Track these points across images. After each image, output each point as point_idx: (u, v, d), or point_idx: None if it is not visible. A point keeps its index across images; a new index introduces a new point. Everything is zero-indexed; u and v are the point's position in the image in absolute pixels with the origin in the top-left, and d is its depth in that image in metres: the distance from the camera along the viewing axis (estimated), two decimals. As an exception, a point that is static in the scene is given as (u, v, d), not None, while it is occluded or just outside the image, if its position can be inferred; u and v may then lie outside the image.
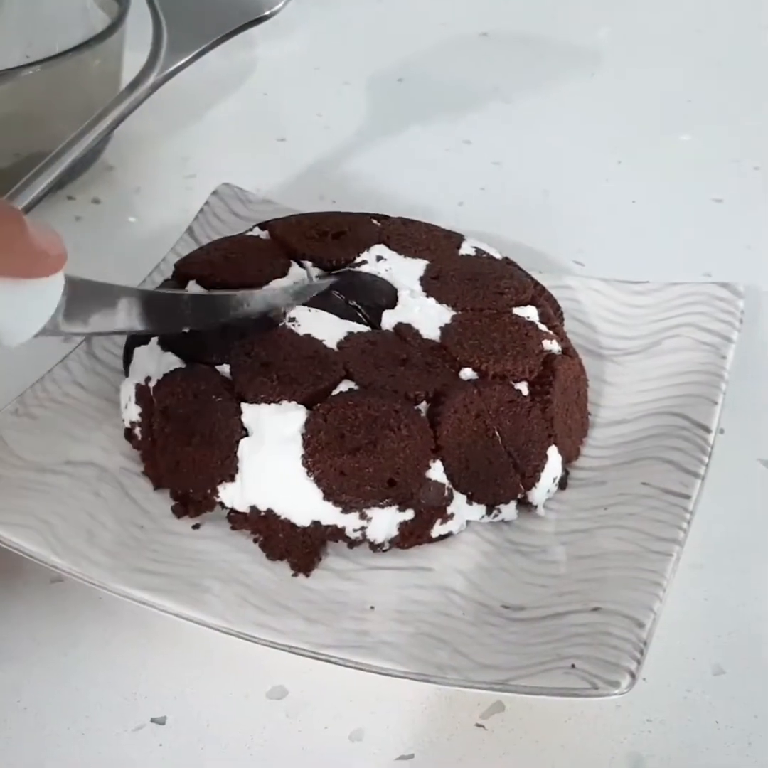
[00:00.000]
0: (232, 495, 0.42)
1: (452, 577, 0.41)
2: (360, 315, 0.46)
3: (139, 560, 0.40)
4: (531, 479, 0.43)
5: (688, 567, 0.42)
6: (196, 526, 0.43)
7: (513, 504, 0.43)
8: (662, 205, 0.67)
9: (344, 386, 0.42)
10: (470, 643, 0.38)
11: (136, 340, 0.46)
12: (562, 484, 0.44)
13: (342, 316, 0.45)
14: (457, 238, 0.51)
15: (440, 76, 0.83)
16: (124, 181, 0.69)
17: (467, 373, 0.43)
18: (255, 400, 0.41)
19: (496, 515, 0.43)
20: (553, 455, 0.43)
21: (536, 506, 0.43)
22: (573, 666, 0.36)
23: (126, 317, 0.40)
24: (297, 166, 0.70)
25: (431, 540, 0.42)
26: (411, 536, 0.41)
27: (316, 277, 0.48)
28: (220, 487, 0.42)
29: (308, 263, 0.49)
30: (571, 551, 0.42)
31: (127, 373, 0.47)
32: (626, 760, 0.37)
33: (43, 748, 0.37)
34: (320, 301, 0.46)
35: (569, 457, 0.45)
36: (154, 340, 0.45)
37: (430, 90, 0.81)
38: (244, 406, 0.41)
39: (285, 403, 0.41)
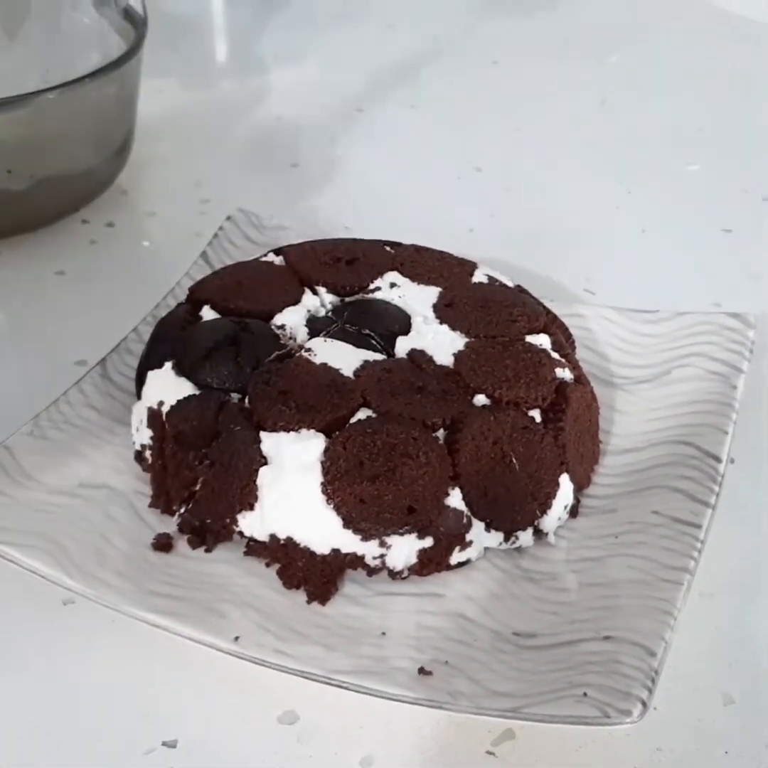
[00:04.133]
0: (251, 524, 0.42)
1: (464, 604, 0.41)
2: (374, 342, 0.46)
3: (151, 583, 0.41)
4: (543, 506, 0.43)
5: (699, 596, 0.42)
6: (208, 550, 0.43)
7: (530, 531, 0.43)
8: (672, 234, 0.68)
9: (362, 414, 0.42)
10: (482, 670, 0.38)
11: (149, 363, 0.47)
12: (574, 511, 0.44)
13: (356, 345, 0.46)
14: (469, 266, 0.51)
15: (452, 103, 0.84)
16: (139, 205, 0.69)
17: (480, 399, 0.43)
18: (274, 429, 0.42)
19: (513, 542, 0.43)
20: (565, 483, 0.44)
21: (547, 534, 0.43)
22: (585, 694, 0.36)
23: None
24: (310, 192, 0.70)
25: (450, 567, 0.42)
26: (430, 564, 0.41)
27: (330, 303, 0.49)
28: (239, 517, 0.42)
29: (322, 289, 0.49)
30: (582, 579, 0.42)
31: (139, 397, 0.47)
32: (636, 788, 0.37)
33: (55, 770, 0.37)
34: (334, 331, 0.46)
35: (581, 485, 0.45)
36: (168, 364, 0.45)
37: (442, 117, 0.82)
38: (262, 434, 0.42)
39: (304, 431, 0.41)
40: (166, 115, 0.78)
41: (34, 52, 0.65)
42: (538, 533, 0.43)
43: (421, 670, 0.38)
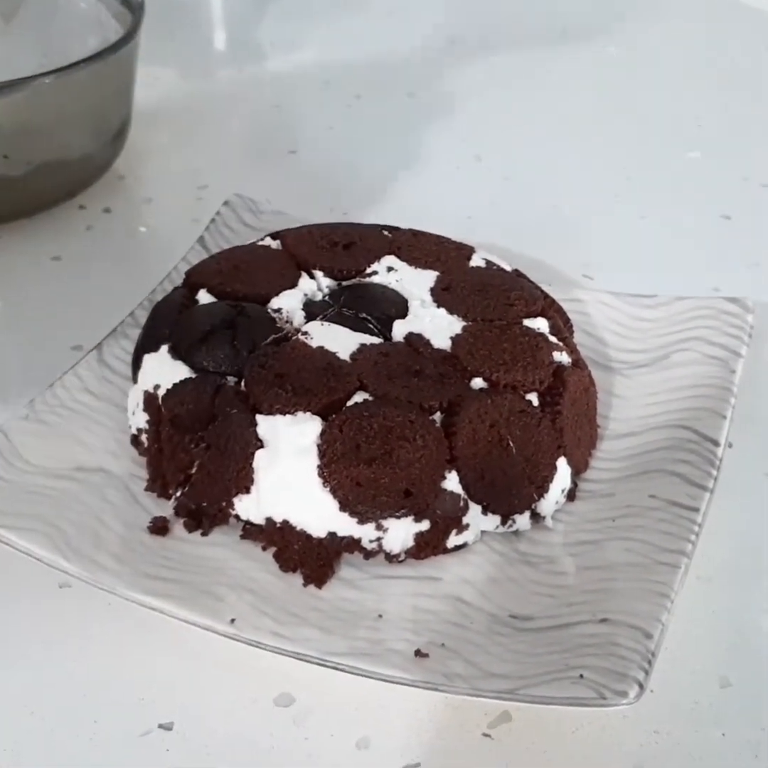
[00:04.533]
0: (247, 507, 0.42)
1: (461, 587, 0.41)
2: (371, 325, 0.46)
3: (147, 566, 0.41)
4: (540, 490, 0.43)
5: (696, 579, 0.42)
6: (204, 533, 0.43)
7: (527, 514, 0.43)
8: (671, 221, 0.67)
9: (359, 397, 0.42)
10: (478, 652, 0.38)
11: (145, 347, 0.47)
12: (571, 495, 0.44)
13: (353, 328, 0.46)
14: (467, 250, 0.51)
15: (450, 91, 0.84)
16: (136, 191, 0.69)
17: (478, 382, 0.43)
18: (270, 412, 0.41)
19: (510, 526, 0.43)
20: (562, 466, 0.43)
21: (545, 517, 0.43)
22: (581, 676, 0.36)
23: None
24: (308, 179, 0.70)
25: (446, 550, 0.42)
26: (427, 547, 0.41)
27: (327, 287, 0.49)
28: (235, 500, 0.42)
29: (319, 273, 0.49)
30: (579, 562, 0.42)
31: (135, 380, 0.47)
32: (633, 770, 0.37)
33: (51, 752, 0.37)
34: (331, 315, 0.46)
35: (578, 469, 0.45)
36: (165, 348, 0.45)
37: (440, 106, 0.82)
38: (259, 417, 0.42)
39: (300, 414, 0.41)
40: (163, 102, 0.78)
41: (30, 36, 0.65)
42: (536, 517, 0.43)
43: (418, 653, 0.38)
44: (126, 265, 0.61)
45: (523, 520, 0.43)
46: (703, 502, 0.42)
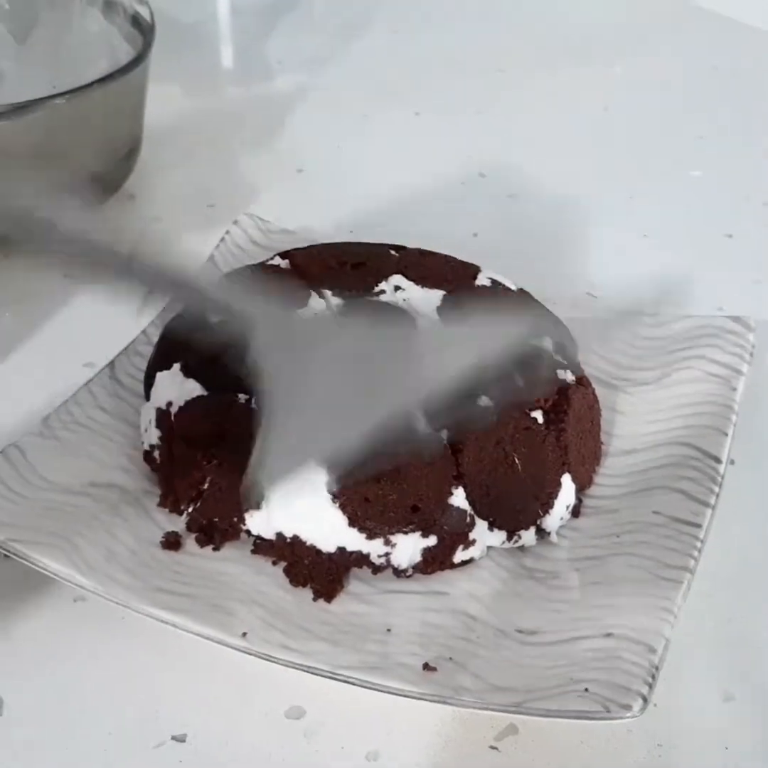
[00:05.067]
0: (258, 522, 0.42)
1: (468, 602, 0.42)
2: (379, 343, 0.47)
3: (160, 580, 0.41)
4: (545, 506, 0.43)
5: (698, 595, 0.42)
6: (216, 548, 0.43)
7: (532, 530, 0.43)
8: (673, 240, 0.68)
9: None
10: (485, 666, 0.38)
11: (158, 364, 0.48)
12: (576, 511, 0.45)
13: None
14: (473, 270, 0.52)
15: (456, 110, 0.85)
16: (145, 211, 0.70)
17: (483, 400, 0.44)
18: None
19: (516, 541, 0.43)
20: (567, 483, 0.44)
21: (550, 533, 0.44)
22: (586, 690, 0.36)
23: None
24: (315, 197, 0.71)
25: (453, 565, 0.43)
26: (434, 562, 0.42)
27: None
28: (246, 515, 0.43)
29: (328, 292, 0.50)
30: (583, 578, 0.42)
31: (147, 397, 0.47)
32: (637, 783, 0.37)
33: (66, 763, 0.38)
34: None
35: (582, 485, 0.46)
36: (177, 366, 0.46)
37: (446, 123, 0.83)
38: None
39: None
40: (172, 121, 0.79)
41: (42, 58, 0.66)
42: (541, 532, 0.44)
43: (426, 666, 0.38)
44: (137, 283, 0.62)
45: (528, 536, 0.43)
46: (705, 518, 0.43)
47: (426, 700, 0.37)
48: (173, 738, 0.38)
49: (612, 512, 0.45)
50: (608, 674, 0.37)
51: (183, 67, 0.89)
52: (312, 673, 0.38)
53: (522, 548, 0.44)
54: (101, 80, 0.61)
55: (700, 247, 0.67)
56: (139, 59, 0.64)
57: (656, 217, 0.70)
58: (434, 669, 0.38)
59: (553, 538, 0.44)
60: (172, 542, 0.43)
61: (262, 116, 0.83)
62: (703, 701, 0.40)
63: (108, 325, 0.56)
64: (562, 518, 0.44)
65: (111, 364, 0.51)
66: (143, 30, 0.67)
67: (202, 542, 0.43)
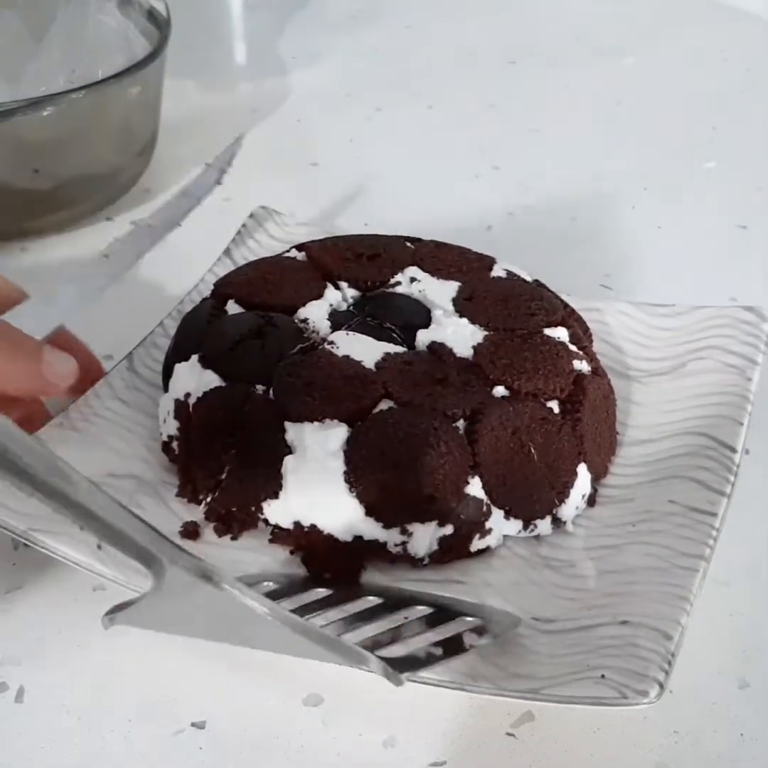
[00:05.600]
0: (275, 511, 0.43)
1: (485, 591, 0.42)
2: (395, 335, 0.47)
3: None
4: (561, 495, 0.44)
5: (714, 583, 0.43)
6: (234, 537, 0.44)
7: (548, 519, 0.44)
8: (687, 231, 0.68)
9: (384, 405, 0.43)
10: (501, 654, 0.39)
11: (176, 356, 0.48)
12: (591, 500, 0.45)
13: (377, 338, 0.47)
14: (488, 261, 0.52)
15: (469, 103, 0.85)
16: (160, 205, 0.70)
17: (500, 390, 0.44)
18: (298, 419, 0.43)
19: (531, 530, 0.44)
20: (583, 472, 0.44)
21: (565, 522, 0.44)
22: (603, 676, 0.36)
23: None
24: (329, 190, 0.71)
25: (470, 554, 0.43)
26: (451, 551, 0.42)
27: (352, 297, 0.50)
28: (264, 504, 0.43)
29: (343, 284, 0.50)
30: (599, 566, 0.42)
31: (165, 389, 0.48)
32: (653, 770, 0.38)
33: (88, 749, 0.38)
34: (356, 325, 0.48)
35: (598, 475, 0.46)
36: (195, 357, 0.47)
37: (459, 117, 0.83)
38: (287, 424, 0.43)
39: (327, 421, 0.42)
40: (187, 116, 0.79)
41: (59, 53, 0.66)
42: (557, 521, 0.44)
43: None
44: (153, 276, 0.63)
45: (544, 525, 0.44)
46: (721, 507, 0.43)
47: (444, 686, 0.37)
48: (192, 725, 0.39)
49: (627, 501, 0.45)
50: (624, 661, 0.37)
51: (197, 62, 0.89)
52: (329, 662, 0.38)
53: (538, 537, 0.44)
54: (117, 75, 0.62)
55: (714, 237, 0.68)
56: (155, 54, 0.65)
57: (670, 209, 0.70)
58: None
59: (569, 527, 0.44)
60: (190, 532, 0.44)
61: (276, 111, 0.84)
62: (719, 688, 0.40)
63: (124, 318, 0.57)
64: (577, 507, 0.44)
65: (129, 356, 0.51)
66: (159, 25, 0.67)
67: (220, 532, 0.44)
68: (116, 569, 0.41)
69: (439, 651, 0.38)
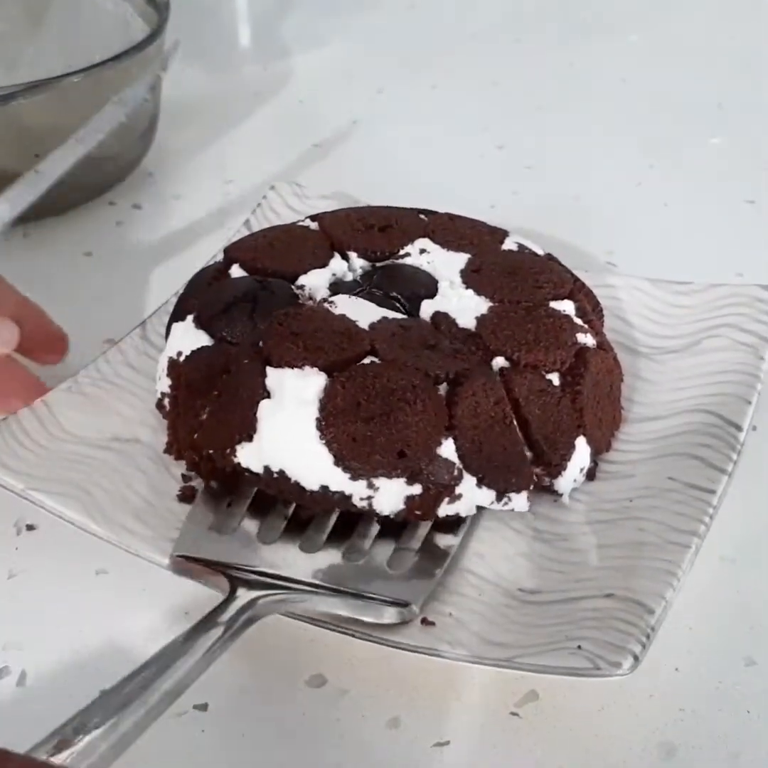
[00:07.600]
0: (248, 455, 0.42)
1: (474, 561, 0.41)
2: (399, 305, 0.47)
3: (173, 531, 0.42)
4: (558, 468, 0.43)
5: (721, 561, 0.43)
6: (229, 504, 0.43)
7: (524, 494, 0.43)
8: (694, 207, 0.68)
9: (367, 361, 0.43)
10: (483, 622, 0.38)
11: (175, 316, 0.48)
12: (591, 475, 0.45)
13: (380, 305, 0.46)
14: (501, 234, 0.52)
15: (472, 82, 0.85)
16: (164, 188, 0.70)
17: (499, 361, 0.44)
18: (279, 364, 0.42)
19: (505, 503, 0.43)
20: (582, 446, 0.44)
21: (562, 494, 0.44)
22: (579, 647, 0.36)
23: None
24: (333, 172, 0.71)
25: (438, 519, 0.42)
26: (417, 512, 0.42)
27: (361, 267, 0.49)
28: (238, 447, 0.42)
29: (353, 254, 0.50)
30: (592, 541, 0.42)
31: None
32: (658, 748, 0.37)
33: (89, 732, 0.38)
34: (359, 294, 0.47)
35: (599, 449, 0.45)
36: (191, 317, 0.47)
37: (463, 96, 0.82)
38: (268, 369, 0.42)
39: (307, 368, 0.42)
40: (190, 99, 0.79)
41: (58, 36, 0.66)
42: (553, 494, 0.44)
43: (425, 621, 0.38)
44: (156, 259, 0.62)
45: (519, 500, 0.43)
46: (720, 484, 0.42)
47: (420, 652, 0.37)
48: (195, 707, 0.38)
49: (628, 477, 0.45)
50: (603, 633, 0.36)
51: (198, 44, 0.89)
52: (315, 625, 0.39)
53: (533, 511, 0.43)
54: (116, 58, 0.61)
55: (721, 214, 0.67)
56: (153, 36, 0.64)
57: (676, 185, 0.70)
58: (432, 624, 0.38)
59: (565, 500, 0.44)
60: (188, 496, 0.44)
61: (279, 92, 0.83)
62: (725, 666, 0.40)
63: (127, 301, 0.57)
64: (575, 480, 0.44)
65: (143, 325, 0.51)
66: (158, 7, 0.67)
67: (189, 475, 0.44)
68: (110, 529, 0.41)
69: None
